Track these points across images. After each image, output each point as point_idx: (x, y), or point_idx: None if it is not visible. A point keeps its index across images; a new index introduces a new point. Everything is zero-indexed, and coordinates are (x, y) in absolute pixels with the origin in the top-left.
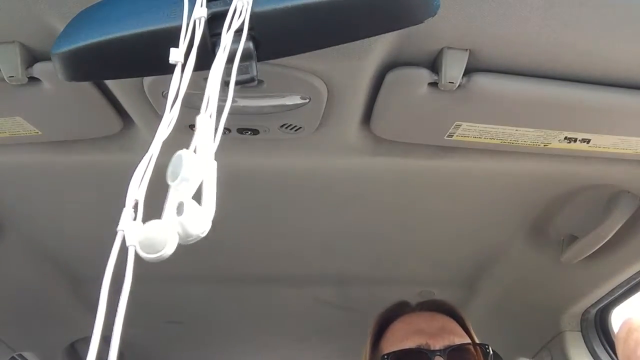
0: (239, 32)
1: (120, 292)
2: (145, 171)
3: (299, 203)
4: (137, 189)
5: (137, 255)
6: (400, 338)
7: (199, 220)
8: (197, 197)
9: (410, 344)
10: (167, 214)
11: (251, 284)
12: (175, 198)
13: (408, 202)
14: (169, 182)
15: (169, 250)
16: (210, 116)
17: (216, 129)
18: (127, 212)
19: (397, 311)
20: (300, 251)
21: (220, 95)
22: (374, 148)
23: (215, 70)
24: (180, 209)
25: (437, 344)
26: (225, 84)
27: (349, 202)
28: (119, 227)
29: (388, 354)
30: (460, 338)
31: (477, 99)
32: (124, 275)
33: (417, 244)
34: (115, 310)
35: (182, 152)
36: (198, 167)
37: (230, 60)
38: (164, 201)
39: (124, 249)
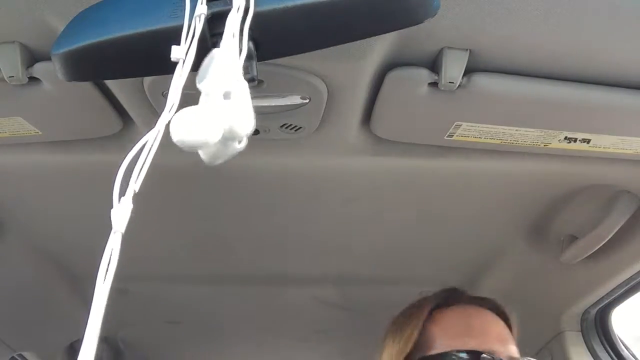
0: (239, 31)
1: (120, 290)
2: (144, 160)
3: (299, 203)
4: (131, 177)
5: (136, 254)
6: (460, 332)
7: (245, 114)
8: None
9: (473, 343)
10: (210, 100)
11: (251, 283)
12: (210, 97)
13: (408, 202)
14: (198, 85)
15: (212, 137)
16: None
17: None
18: (116, 198)
19: (450, 297)
20: (300, 251)
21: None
22: (374, 148)
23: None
24: (227, 95)
25: (502, 354)
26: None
27: (349, 202)
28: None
29: (459, 351)
30: (517, 350)
31: (477, 99)
32: (123, 273)
33: (417, 244)
34: (114, 309)
35: (214, 51)
36: (228, 64)
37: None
38: (159, 200)
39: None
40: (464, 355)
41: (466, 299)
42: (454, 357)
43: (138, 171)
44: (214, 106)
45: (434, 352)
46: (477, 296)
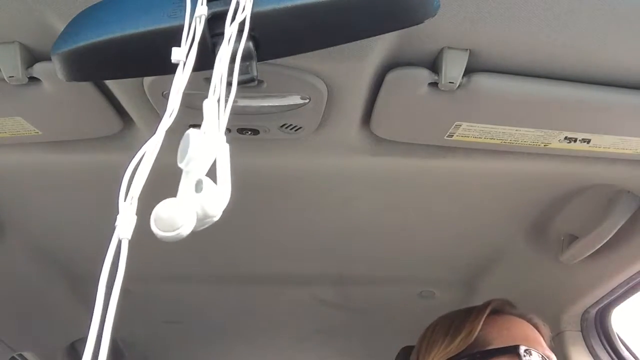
0: (239, 31)
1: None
2: (140, 164)
3: (299, 203)
4: (133, 183)
5: (135, 254)
6: (517, 336)
7: (217, 199)
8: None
9: (533, 346)
10: (183, 192)
11: (251, 283)
12: (188, 179)
13: (408, 202)
14: (179, 164)
15: (186, 229)
16: (219, 100)
17: (225, 109)
18: (122, 205)
19: (507, 307)
20: (300, 251)
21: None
22: (374, 148)
23: (222, 53)
24: (199, 187)
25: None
26: (227, 84)
27: (349, 202)
28: (117, 222)
29: (520, 345)
30: None
31: (477, 99)
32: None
33: (417, 244)
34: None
35: (189, 132)
36: (205, 145)
37: (231, 60)
38: (159, 200)
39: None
40: (527, 350)
41: (516, 313)
42: (519, 350)
43: (138, 179)
44: (188, 202)
45: (494, 347)
46: (523, 312)
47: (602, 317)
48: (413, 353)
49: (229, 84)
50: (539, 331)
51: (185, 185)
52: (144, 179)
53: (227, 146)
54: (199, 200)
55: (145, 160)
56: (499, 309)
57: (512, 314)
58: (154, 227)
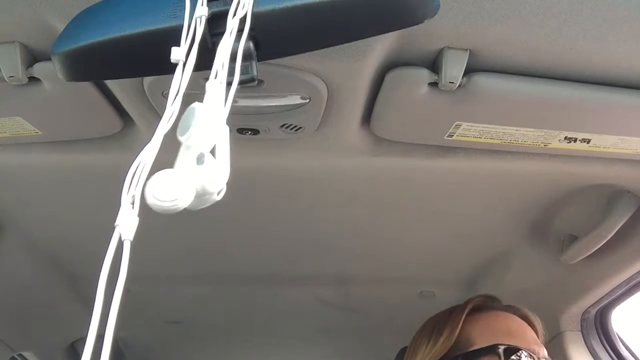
0: (239, 31)
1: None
2: (142, 166)
3: (299, 203)
4: (135, 184)
5: (136, 254)
6: (499, 332)
7: (217, 175)
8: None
9: (513, 342)
10: (182, 164)
11: (251, 284)
12: (188, 153)
13: (408, 202)
14: (179, 137)
15: (184, 201)
16: (221, 82)
17: (226, 95)
18: (124, 206)
19: (489, 302)
20: (300, 251)
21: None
22: (374, 148)
23: (225, 42)
24: (200, 159)
25: (539, 354)
26: (227, 84)
27: (349, 202)
28: (117, 222)
29: (502, 344)
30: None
31: (477, 99)
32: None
33: (417, 244)
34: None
35: (195, 105)
36: (210, 119)
37: (231, 58)
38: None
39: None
40: (506, 348)
41: (499, 306)
42: (497, 349)
43: (138, 181)
44: (187, 173)
45: (475, 347)
46: (509, 304)
47: (602, 317)
48: (406, 356)
49: (228, 84)
50: (529, 322)
51: (185, 158)
52: (143, 181)
53: (227, 127)
54: (199, 173)
55: (145, 163)
56: (481, 306)
57: (494, 308)
58: (149, 197)
